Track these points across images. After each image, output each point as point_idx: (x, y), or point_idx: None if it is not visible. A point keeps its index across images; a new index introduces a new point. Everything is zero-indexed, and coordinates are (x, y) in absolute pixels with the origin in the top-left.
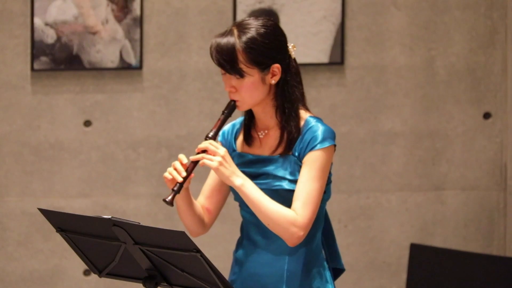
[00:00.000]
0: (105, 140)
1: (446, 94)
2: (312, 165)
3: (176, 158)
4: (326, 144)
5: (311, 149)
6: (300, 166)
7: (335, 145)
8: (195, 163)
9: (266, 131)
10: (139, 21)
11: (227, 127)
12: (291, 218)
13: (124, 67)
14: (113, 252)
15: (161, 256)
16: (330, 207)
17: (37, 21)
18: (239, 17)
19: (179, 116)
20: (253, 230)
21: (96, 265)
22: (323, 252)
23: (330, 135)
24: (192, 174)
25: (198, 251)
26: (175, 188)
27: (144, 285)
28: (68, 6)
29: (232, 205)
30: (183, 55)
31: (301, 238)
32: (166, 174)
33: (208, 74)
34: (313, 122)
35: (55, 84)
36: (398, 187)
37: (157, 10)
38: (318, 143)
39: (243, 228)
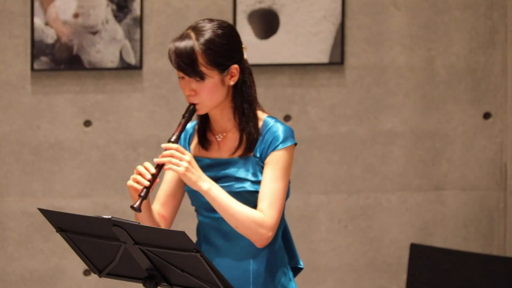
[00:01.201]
0: (105, 140)
1: (446, 94)
2: (275, 165)
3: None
4: (288, 143)
5: (274, 149)
6: (262, 167)
7: (295, 144)
8: (160, 167)
9: (224, 134)
10: (139, 21)
11: (185, 131)
12: (259, 219)
13: (124, 67)
14: (113, 252)
15: (161, 256)
16: (330, 207)
17: (37, 21)
18: (239, 17)
19: (179, 116)
20: (213, 234)
21: (96, 265)
22: (284, 251)
23: (291, 134)
24: (157, 179)
25: (198, 251)
26: (142, 194)
27: (144, 285)
28: (68, 6)
29: None
30: None
31: (270, 238)
32: (130, 182)
33: None
34: (271, 122)
35: (55, 84)
36: (398, 187)
37: (157, 10)
38: (280, 143)
39: (199, 233)
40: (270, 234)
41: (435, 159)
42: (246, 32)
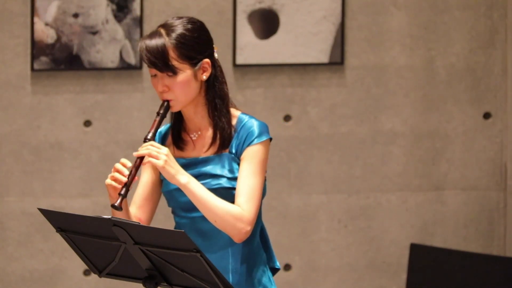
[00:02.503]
0: (105, 140)
1: (446, 94)
2: (251, 160)
3: None
4: (263, 138)
5: (249, 144)
6: (238, 163)
7: (270, 139)
8: (137, 165)
9: (199, 132)
10: (139, 21)
11: (163, 129)
12: (237, 213)
13: (124, 67)
14: (113, 252)
15: (161, 256)
16: (330, 207)
17: (37, 21)
18: (239, 17)
19: None
20: (191, 234)
21: (96, 265)
22: (263, 250)
23: (265, 129)
24: (136, 177)
25: (198, 251)
26: (122, 192)
27: (144, 285)
28: (68, 6)
29: None
30: None
31: (248, 233)
32: (108, 181)
33: None
34: (246, 118)
35: (55, 84)
36: (398, 187)
37: (157, 10)
38: (255, 138)
39: None
40: (248, 228)
41: (435, 159)
42: (246, 32)
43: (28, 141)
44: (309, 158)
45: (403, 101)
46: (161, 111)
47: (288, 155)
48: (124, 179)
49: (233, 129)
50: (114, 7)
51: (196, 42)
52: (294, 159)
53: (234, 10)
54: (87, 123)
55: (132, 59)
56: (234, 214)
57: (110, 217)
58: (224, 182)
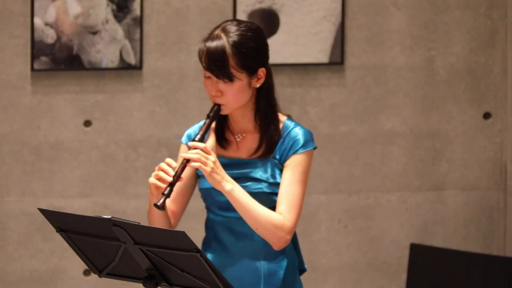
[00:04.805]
0: (105, 140)
1: (446, 94)
2: (295, 169)
3: (176, 158)
4: (309, 147)
5: (294, 153)
6: (281, 169)
7: (315, 148)
8: (184, 166)
9: (243, 135)
10: (139, 21)
11: (193, 130)
12: (279, 222)
13: (124, 67)
14: (113, 252)
15: (161, 256)
16: (330, 207)
17: (37, 21)
18: (239, 17)
19: (179, 116)
20: (224, 233)
21: (96, 265)
22: (295, 253)
23: (311, 138)
24: (181, 178)
25: (198, 251)
26: (166, 192)
27: (144, 285)
28: (68, 6)
29: None
30: (183, 55)
31: (288, 241)
32: (152, 179)
33: None
34: (291, 125)
35: (55, 84)
36: (398, 187)
37: (157, 10)
38: (300, 147)
39: (209, 229)
40: (288, 237)
41: (435, 159)
42: None
43: (28, 141)
44: None
45: (403, 101)
46: (211, 114)
47: None
48: (170, 179)
49: (279, 135)
50: (114, 7)
51: (254, 51)
52: None
53: (234, 10)
54: (87, 123)
55: (132, 59)
56: (276, 223)
57: (110, 217)
58: (264, 187)
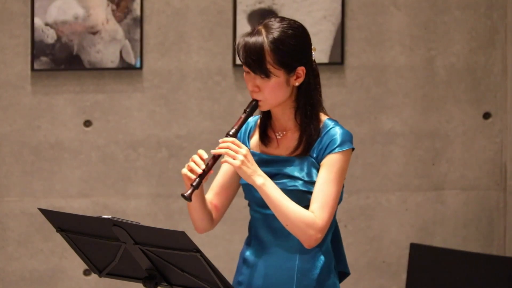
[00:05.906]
0: (105, 140)
1: (446, 94)
2: (330, 168)
3: (176, 158)
4: (345, 147)
5: (330, 152)
6: (317, 168)
7: (353, 149)
8: (215, 159)
9: (284, 132)
10: (139, 21)
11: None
12: (310, 220)
13: (124, 67)
14: (113, 252)
15: (161, 256)
16: None
17: (37, 21)
18: (239, 17)
19: (179, 116)
20: (263, 230)
21: (96, 265)
22: (332, 254)
23: (349, 138)
24: (212, 171)
25: (198, 251)
26: (194, 184)
27: (144, 285)
28: (68, 6)
29: (232, 205)
30: (183, 55)
31: (318, 240)
32: (184, 170)
33: (208, 74)
34: (331, 124)
35: (55, 84)
36: (398, 187)
37: (157, 10)
38: (337, 146)
39: (251, 228)
40: (319, 236)
41: (435, 159)
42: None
43: (28, 141)
44: None
45: (403, 101)
46: (248, 109)
47: None
48: (199, 170)
49: (318, 134)
50: (114, 7)
51: (294, 50)
52: None
53: (234, 10)
54: (87, 123)
55: (132, 59)
56: (306, 221)
57: (110, 217)
58: (300, 185)
